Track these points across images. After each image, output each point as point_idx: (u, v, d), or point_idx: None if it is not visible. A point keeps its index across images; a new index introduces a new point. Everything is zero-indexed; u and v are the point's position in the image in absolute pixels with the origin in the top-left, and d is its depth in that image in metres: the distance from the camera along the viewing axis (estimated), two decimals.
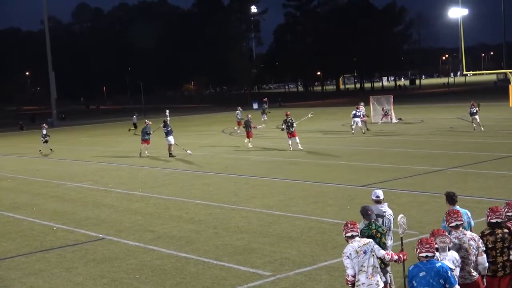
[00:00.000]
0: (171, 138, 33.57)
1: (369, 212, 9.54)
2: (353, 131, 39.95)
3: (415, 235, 14.27)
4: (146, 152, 34.31)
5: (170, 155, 33.21)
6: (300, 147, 32.10)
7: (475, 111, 37.55)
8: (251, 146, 35.48)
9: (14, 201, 22.54)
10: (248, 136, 36.17)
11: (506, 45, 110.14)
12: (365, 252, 8.55)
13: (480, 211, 15.96)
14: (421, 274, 7.57)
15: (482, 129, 36.55)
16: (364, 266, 8.53)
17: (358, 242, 8.61)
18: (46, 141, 39.80)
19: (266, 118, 57.06)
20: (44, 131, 39.92)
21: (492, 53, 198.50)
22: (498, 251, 8.74)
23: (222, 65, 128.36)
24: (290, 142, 32.72)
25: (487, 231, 8.88)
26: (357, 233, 8.72)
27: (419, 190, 19.52)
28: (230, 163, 29.20)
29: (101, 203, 21.16)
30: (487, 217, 8.97)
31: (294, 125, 32.84)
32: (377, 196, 10.67)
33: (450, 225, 8.65)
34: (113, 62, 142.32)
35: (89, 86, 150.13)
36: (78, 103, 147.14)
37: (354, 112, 40.56)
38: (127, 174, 28.00)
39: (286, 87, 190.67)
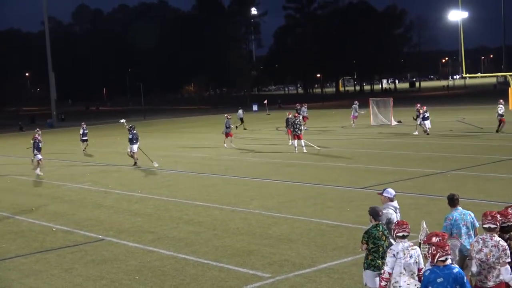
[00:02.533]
0: (134, 146, 30.70)
1: (380, 213, 9.57)
2: (427, 133, 37.84)
3: (415, 237, 14.29)
4: (231, 144, 36.75)
5: (135, 163, 30.64)
6: (304, 150, 31.94)
7: (427, 115, 38.24)
8: (291, 143, 35.18)
9: (14, 202, 22.53)
10: (289, 133, 36.29)
11: (506, 48, 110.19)
12: (411, 256, 8.51)
13: (479, 213, 15.97)
14: (438, 280, 7.46)
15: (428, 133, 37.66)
16: (406, 270, 8.50)
17: (408, 244, 8.59)
18: (85, 140, 39.57)
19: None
20: (81, 131, 39.52)
21: (492, 56, 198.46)
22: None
23: (222, 67, 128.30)
24: (296, 144, 32.32)
25: (506, 236, 8.79)
26: (408, 234, 8.66)
27: (418, 192, 19.53)
28: (230, 165, 29.19)
29: (101, 204, 21.16)
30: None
31: (302, 128, 32.61)
32: (394, 195, 10.80)
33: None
34: (113, 63, 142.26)
35: (89, 87, 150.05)
36: (67, 105, 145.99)
37: (422, 113, 38.50)
38: (127, 175, 28.00)
39: (286, 89, 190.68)
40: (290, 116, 36.13)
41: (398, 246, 8.56)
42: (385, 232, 9.42)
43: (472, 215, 10.25)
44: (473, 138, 34.86)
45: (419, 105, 40.16)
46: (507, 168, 23.26)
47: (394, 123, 47.62)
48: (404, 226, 8.62)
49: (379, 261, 9.30)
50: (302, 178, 23.84)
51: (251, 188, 22.52)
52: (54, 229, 17.56)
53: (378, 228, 9.42)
